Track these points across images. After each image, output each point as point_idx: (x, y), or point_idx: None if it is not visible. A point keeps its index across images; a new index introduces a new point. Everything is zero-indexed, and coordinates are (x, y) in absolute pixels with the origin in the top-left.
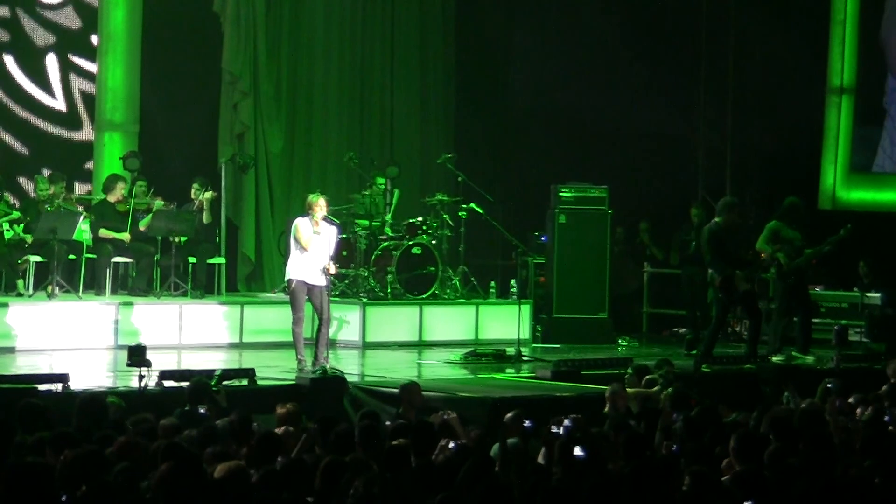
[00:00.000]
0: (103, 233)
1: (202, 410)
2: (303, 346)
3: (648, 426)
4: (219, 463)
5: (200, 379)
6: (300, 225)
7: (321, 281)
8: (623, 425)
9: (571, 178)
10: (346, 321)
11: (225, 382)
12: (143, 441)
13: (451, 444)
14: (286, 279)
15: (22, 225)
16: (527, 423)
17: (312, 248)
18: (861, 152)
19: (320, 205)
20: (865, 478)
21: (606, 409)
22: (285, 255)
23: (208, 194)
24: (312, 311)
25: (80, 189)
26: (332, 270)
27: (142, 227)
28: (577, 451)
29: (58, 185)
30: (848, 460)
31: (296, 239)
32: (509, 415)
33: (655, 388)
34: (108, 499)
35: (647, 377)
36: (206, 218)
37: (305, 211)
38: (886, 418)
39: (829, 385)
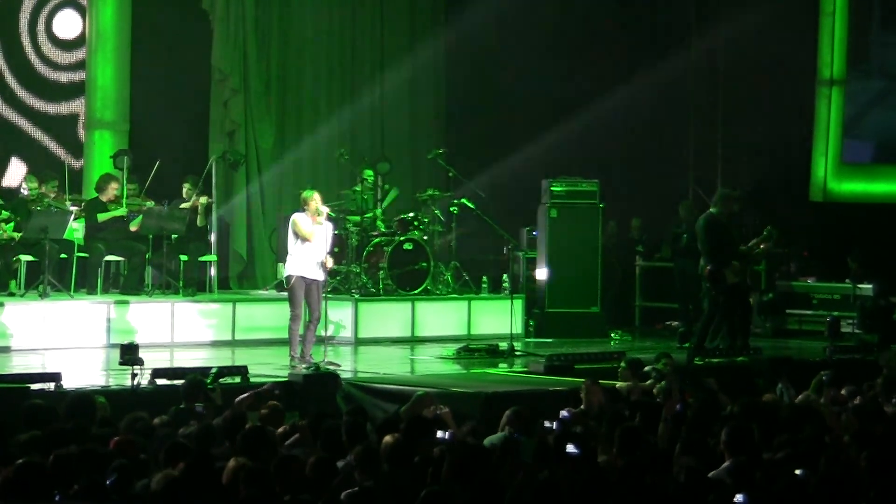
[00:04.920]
0: (102, 217)
1: (198, 408)
2: (298, 343)
3: (645, 419)
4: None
5: (196, 376)
6: (298, 219)
7: (320, 276)
8: (618, 419)
9: (562, 173)
10: (343, 325)
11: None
12: (139, 439)
13: (445, 435)
14: (285, 276)
15: (12, 224)
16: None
17: (315, 239)
18: None
19: (315, 199)
20: (857, 468)
21: (583, 405)
22: (278, 252)
23: (204, 199)
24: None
25: None
26: (329, 264)
27: (133, 227)
28: (570, 448)
29: (49, 184)
30: (840, 451)
31: (296, 233)
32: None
33: (649, 382)
34: (101, 497)
35: (646, 369)
36: (199, 221)
37: (301, 207)
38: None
39: (823, 377)
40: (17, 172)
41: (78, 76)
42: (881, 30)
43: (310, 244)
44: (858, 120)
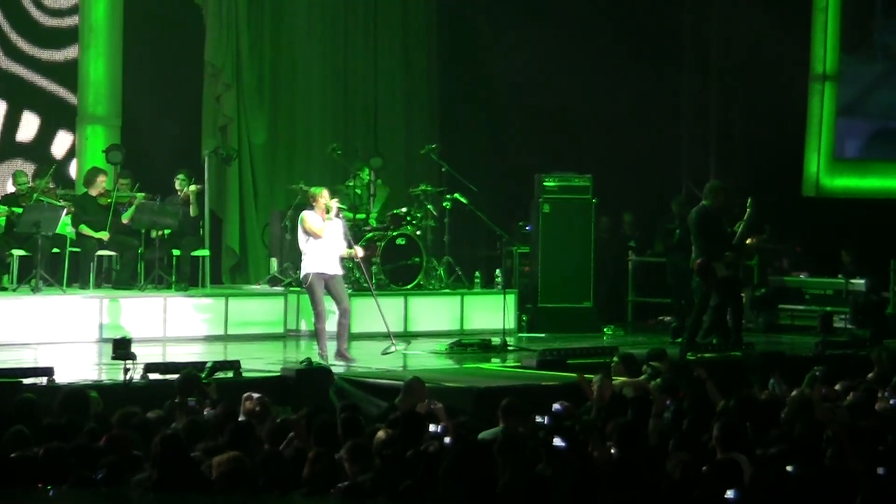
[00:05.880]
0: (83, 229)
1: (192, 403)
2: (326, 341)
3: (637, 415)
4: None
5: (190, 371)
6: (307, 216)
7: (338, 270)
8: (613, 414)
9: (555, 168)
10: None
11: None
12: (132, 434)
13: (437, 429)
14: (302, 275)
15: (4, 218)
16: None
17: (326, 234)
18: None
19: (324, 195)
20: (850, 464)
21: (593, 398)
22: (270, 247)
23: (194, 187)
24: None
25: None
26: (360, 253)
27: (125, 219)
28: (558, 441)
29: (44, 179)
30: (833, 447)
31: (306, 231)
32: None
33: (643, 378)
34: (94, 491)
35: (644, 368)
36: (192, 211)
37: (308, 205)
38: (893, 401)
39: (816, 373)
40: (31, 125)
41: (72, 21)
42: (884, 17)
43: (321, 240)
44: (862, 100)
